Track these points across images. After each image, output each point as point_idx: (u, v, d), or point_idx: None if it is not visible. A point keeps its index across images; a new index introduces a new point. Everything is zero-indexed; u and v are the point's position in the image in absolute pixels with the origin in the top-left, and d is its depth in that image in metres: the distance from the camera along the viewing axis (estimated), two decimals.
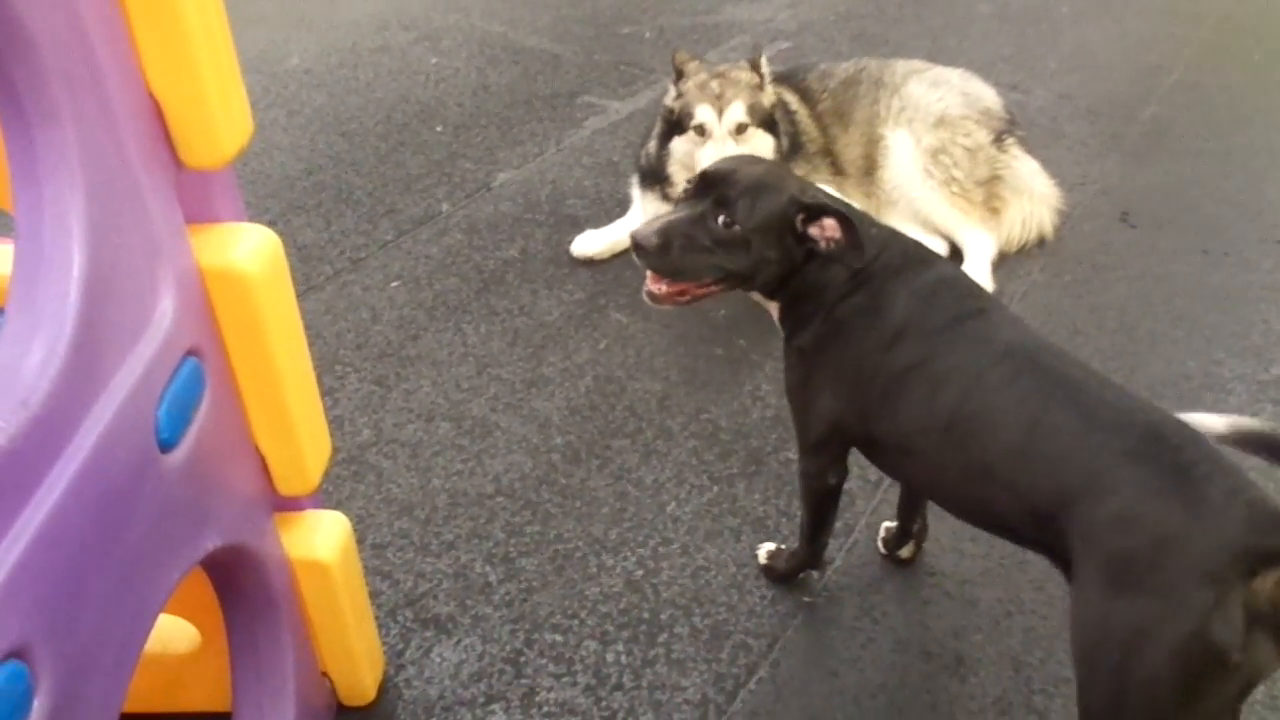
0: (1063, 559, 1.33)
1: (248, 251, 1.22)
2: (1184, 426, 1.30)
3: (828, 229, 1.56)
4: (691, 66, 2.80)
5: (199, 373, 1.18)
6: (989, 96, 3.08)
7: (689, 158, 2.70)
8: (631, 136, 3.61)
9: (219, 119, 1.12)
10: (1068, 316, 2.73)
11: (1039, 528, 1.35)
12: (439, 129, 3.70)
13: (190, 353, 1.17)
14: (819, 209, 1.56)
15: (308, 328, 2.70)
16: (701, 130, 2.67)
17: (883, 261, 1.59)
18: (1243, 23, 4.65)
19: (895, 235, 1.67)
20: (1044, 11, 4.84)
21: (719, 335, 2.67)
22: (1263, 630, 1.14)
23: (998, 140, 2.99)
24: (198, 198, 1.23)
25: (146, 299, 1.09)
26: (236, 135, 1.16)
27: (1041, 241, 3.01)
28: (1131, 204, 3.23)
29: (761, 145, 2.71)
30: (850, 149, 2.96)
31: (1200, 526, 1.16)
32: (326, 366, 2.57)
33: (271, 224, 3.21)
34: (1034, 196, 3.00)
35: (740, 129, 2.67)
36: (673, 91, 2.81)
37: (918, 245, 1.68)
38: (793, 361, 1.72)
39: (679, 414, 2.41)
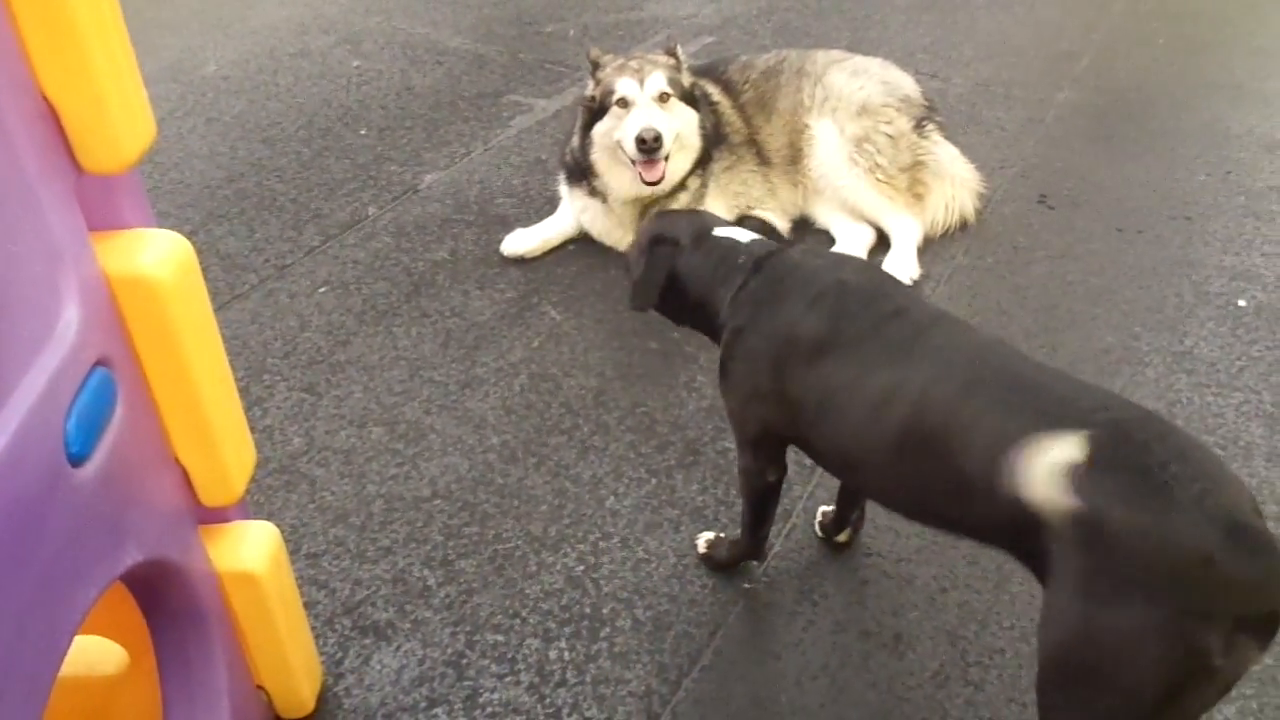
0: (1033, 561, 1.28)
1: (156, 258, 1.19)
2: (1150, 420, 1.24)
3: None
4: (606, 59, 2.81)
5: (109, 383, 1.14)
6: (908, 84, 3.14)
7: (611, 137, 2.71)
8: (558, 134, 3.59)
9: (118, 122, 1.09)
10: (992, 297, 2.79)
11: (1016, 534, 1.28)
12: (363, 132, 3.65)
13: (99, 363, 1.13)
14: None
15: (233, 337, 2.68)
16: (624, 103, 2.69)
17: (764, 278, 1.65)
18: (1149, 7, 4.80)
19: (772, 251, 1.71)
20: (961, 2, 4.94)
21: (653, 330, 2.68)
22: (1242, 631, 1.11)
23: (918, 127, 3.04)
24: (102, 204, 1.19)
25: (48, 308, 1.05)
26: (138, 138, 1.13)
27: (964, 225, 3.08)
28: (1049, 186, 3.32)
29: (684, 116, 2.74)
30: (774, 138, 2.99)
31: (1174, 535, 1.11)
32: (254, 375, 2.51)
33: (192, 233, 3.17)
34: (956, 181, 3.06)
35: (663, 98, 2.69)
36: (590, 84, 2.81)
37: (806, 256, 1.70)
38: (721, 366, 1.74)
39: (615, 409, 2.41)
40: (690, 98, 2.75)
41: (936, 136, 3.10)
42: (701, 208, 2.84)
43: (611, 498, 2.16)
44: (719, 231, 1.77)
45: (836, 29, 4.56)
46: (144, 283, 1.18)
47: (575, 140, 2.86)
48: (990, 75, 4.13)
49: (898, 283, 1.68)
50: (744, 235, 1.76)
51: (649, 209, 2.83)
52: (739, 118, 2.96)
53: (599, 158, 2.77)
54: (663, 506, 2.14)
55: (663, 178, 2.68)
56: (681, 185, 2.80)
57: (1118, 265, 2.91)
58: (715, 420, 2.36)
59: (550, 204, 3.14)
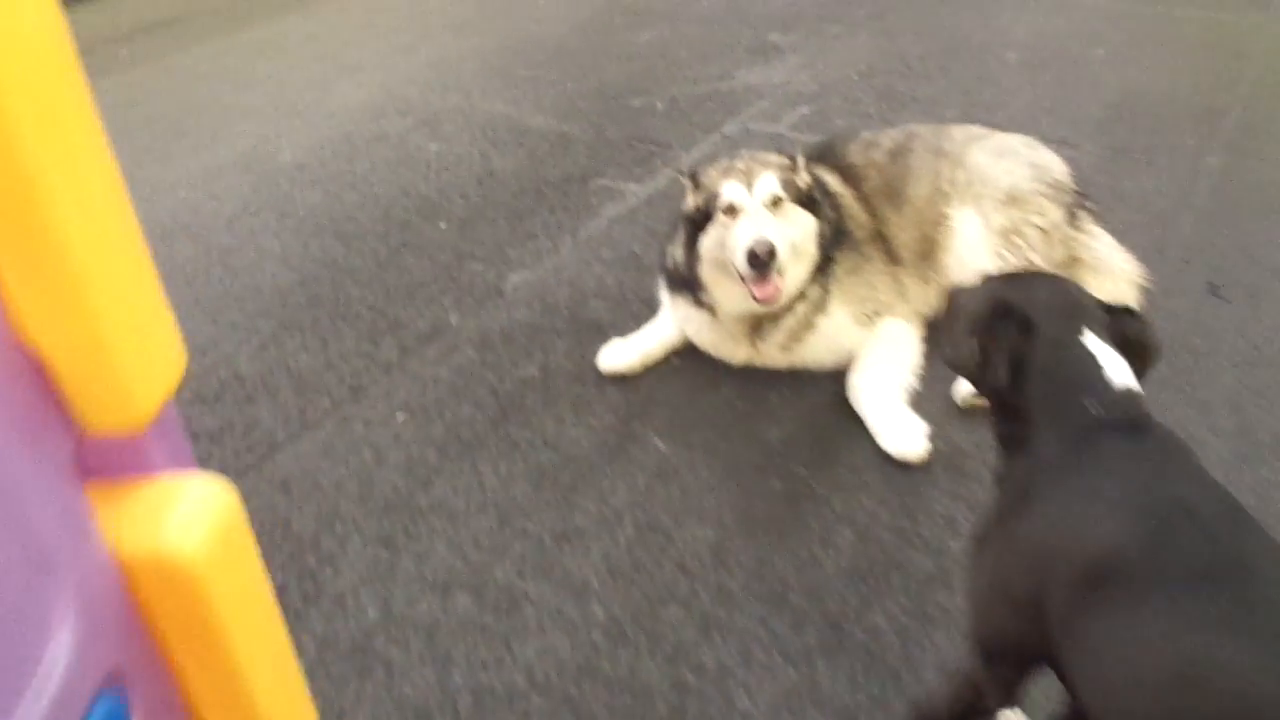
0: None
1: (187, 525, 0.88)
2: None
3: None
4: (703, 170, 2.51)
5: (120, 712, 0.83)
6: (1057, 167, 2.75)
7: (721, 248, 2.38)
8: (652, 223, 3.30)
9: (129, 368, 0.79)
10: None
11: None
12: (443, 225, 3.40)
13: (107, 684, 0.82)
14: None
15: (304, 475, 2.40)
16: (732, 210, 2.35)
17: (1097, 448, 1.25)
18: None
19: (1132, 418, 1.27)
20: (1076, 56, 4.54)
21: (774, 463, 2.32)
22: None
23: (1071, 217, 2.66)
24: (118, 446, 0.90)
25: (30, 640, 0.75)
26: (158, 383, 0.83)
27: None
28: (1219, 273, 2.89)
29: (801, 222, 2.40)
30: (905, 232, 2.63)
31: None
32: (326, 525, 2.22)
33: (263, 347, 2.92)
34: (1115, 275, 2.66)
35: (775, 202, 2.36)
36: (691, 197, 2.49)
37: (1160, 443, 1.27)
38: (983, 528, 1.38)
39: (738, 569, 2.05)
40: (808, 200, 2.42)
41: (1090, 226, 2.70)
42: (824, 315, 2.49)
43: (742, 693, 1.80)
44: (1089, 340, 1.32)
45: (945, 92, 4.20)
46: (170, 564, 0.87)
47: (679, 253, 2.53)
48: (1126, 140, 3.71)
49: (1248, 516, 1.19)
50: (1115, 367, 1.31)
51: (763, 323, 2.49)
52: (863, 210, 2.61)
53: (706, 272, 2.44)
54: (806, 708, 1.76)
55: (778, 294, 2.34)
56: (800, 295, 2.45)
57: None
58: (859, 587, 1.98)
59: (648, 306, 2.83)
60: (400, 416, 2.54)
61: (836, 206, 2.56)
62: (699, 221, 2.40)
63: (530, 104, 4.30)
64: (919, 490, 2.22)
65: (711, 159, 2.68)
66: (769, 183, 2.35)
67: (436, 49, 5.12)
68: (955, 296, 1.53)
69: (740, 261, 2.29)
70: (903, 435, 2.31)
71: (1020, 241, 2.57)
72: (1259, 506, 1.94)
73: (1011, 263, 2.56)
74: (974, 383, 1.44)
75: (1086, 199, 2.76)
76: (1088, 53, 4.55)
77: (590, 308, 2.91)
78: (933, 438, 2.31)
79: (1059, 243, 2.60)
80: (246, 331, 2.91)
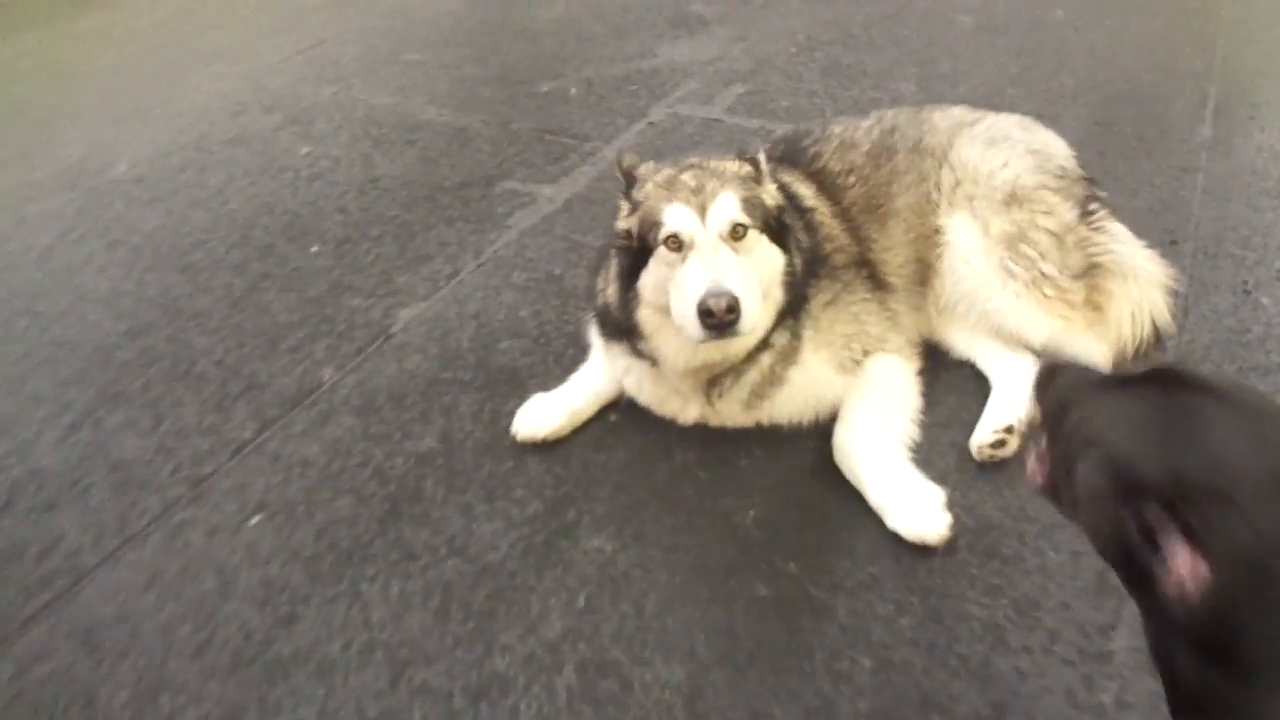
0: None
1: None
2: None
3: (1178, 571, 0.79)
4: (646, 168, 1.92)
5: None
6: (1060, 150, 2.26)
7: (661, 291, 1.80)
8: (572, 233, 2.72)
9: None
10: None
11: None
12: (315, 249, 2.76)
13: None
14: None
15: (119, 619, 1.74)
16: (677, 243, 1.77)
17: None
18: (1263, 3, 3.96)
19: None
20: (1035, 19, 4.09)
21: (753, 557, 1.78)
22: None
23: (1085, 214, 2.16)
24: None
25: None
26: None
27: (1158, 337, 2.18)
28: (1247, 267, 2.44)
29: (766, 260, 1.83)
30: (894, 253, 2.10)
31: None
32: (146, 699, 1.60)
33: (74, 428, 2.19)
34: (1143, 281, 2.17)
35: (737, 232, 1.78)
36: (624, 208, 1.91)
37: None
38: None
39: None
40: (777, 225, 1.86)
41: (1107, 222, 2.22)
42: (796, 366, 1.95)
43: None
44: None
45: (898, 64, 3.70)
46: None
47: (612, 292, 1.94)
48: (1106, 111, 3.26)
49: None
50: None
51: (720, 377, 1.93)
52: (843, 229, 2.06)
53: (646, 317, 1.87)
54: None
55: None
56: (765, 344, 1.90)
57: None
58: None
59: (575, 345, 2.26)
60: (255, 520, 1.91)
61: (812, 226, 2.01)
62: (637, 253, 1.82)
63: (421, 94, 3.66)
64: (945, 585, 1.71)
65: (647, 151, 2.10)
66: (728, 207, 1.77)
67: (310, 32, 4.41)
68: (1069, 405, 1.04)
69: (689, 317, 1.71)
70: (915, 510, 1.79)
71: (1029, 250, 2.07)
72: None
73: (1022, 277, 2.05)
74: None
75: (1097, 187, 2.28)
76: (1046, 15, 4.10)
77: (502, 351, 2.32)
78: (951, 507, 1.79)
79: (1074, 247, 2.10)
80: (53, 406, 2.24)
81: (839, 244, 2.01)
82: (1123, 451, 0.93)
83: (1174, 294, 2.22)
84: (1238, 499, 0.81)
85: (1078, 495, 0.99)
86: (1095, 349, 2.06)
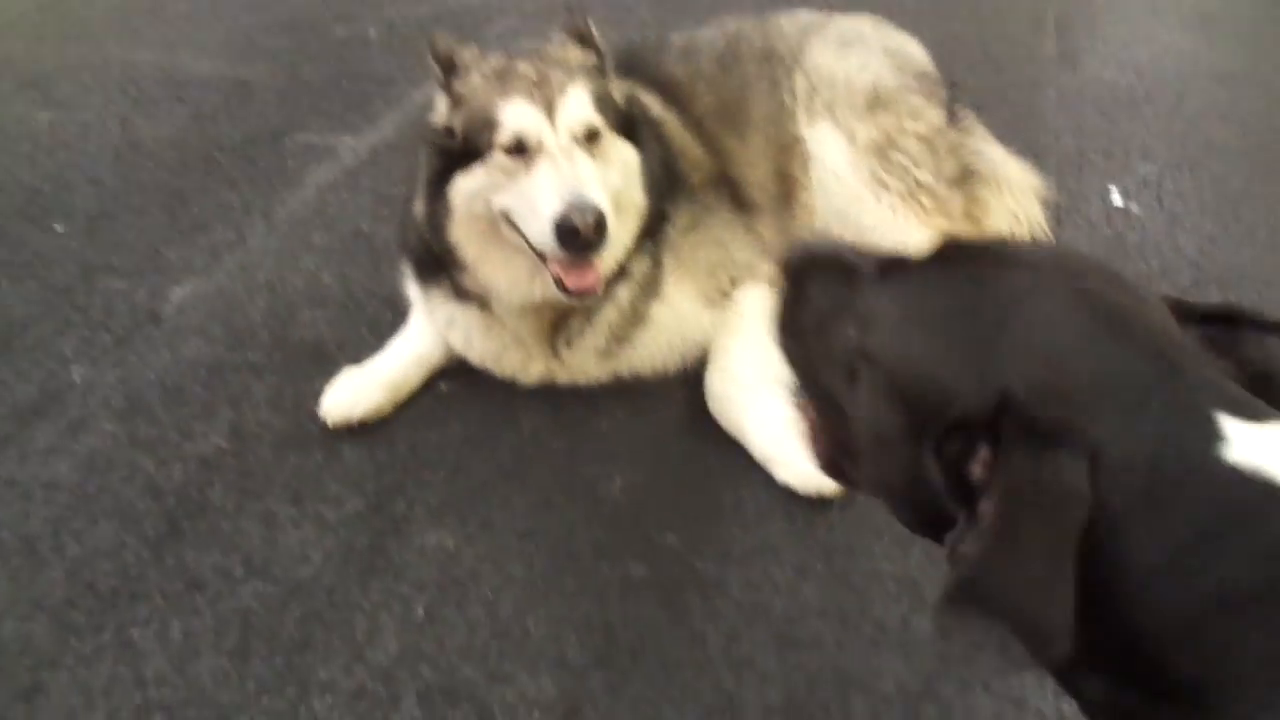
0: None
1: None
2: None
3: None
4: (468, 55, 1.58)
5: None
6: (917, 52, 2.08)
7: (482, 202, 1.50)
8: (382, 185, 2.35)
9: None
10: None
11: None
12: (59, 228, 2.26)
13: None
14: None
15: None
16: (519, 147, 1.46)
17: None
18: None
19: None
20: None
21: (625, 533, 1.49)
22: None
23: (952, 116, 1.98)
24: None
25: None
26: None
27: None
28: (1111, 174, 2.34)
29: (623, 160, 1.55)
30: (754, 167, 1.84)
31: None
32: None
33: None
34: (1015, 187, 2.01)
35: (590, 134, 1.49)
36: (443, 102, 1.57)
37: None
38: None
39: None
40: (628, 123, 1.56)
41: (976, 127, 2.05)
42: (659, 300, 1.67)
43: None
44: (1239, 455, 0.58)
45: None
46: None
47: (419, 206, 1.61)
48: (949, 29, 3.11)
49: None
50: None
51: (569, 319, 1.63)
52: (698, 143, 1.78)
53: (464, 238, 1.54)
54: None
55: (599, 283, 1.50)
56: (622, 273, 1.61)
57: None
58: None
59: (392, 309, 1.89)
60: None
61: (662, 140, 1.72)
62: (457, 156, 1.49)
63: (190, 47, 3.14)
64: (849, 541, 1.47)
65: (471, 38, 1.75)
66: (580, 104, 1.48)
67: None
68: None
69: (546, 236, 1.41)
70: (806, 458, 1.54)
71: (900, 158, 1.86)
72: None
73: (896, 188, 1.84)
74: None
75: (959, 90, 2.10)
76: None
77: (303, 323, 1.93)
78: None
79: (947, 153, 1.92)
80: None
81: (694, 159, 1.74)
82: (915, 367, 0.66)
83: (1046, 204, 2.09)
84: (1095, 418, 0.58)
85: (855, 441, 0.71)
86: None
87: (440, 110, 1.58)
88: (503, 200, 1.49)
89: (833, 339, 0.75)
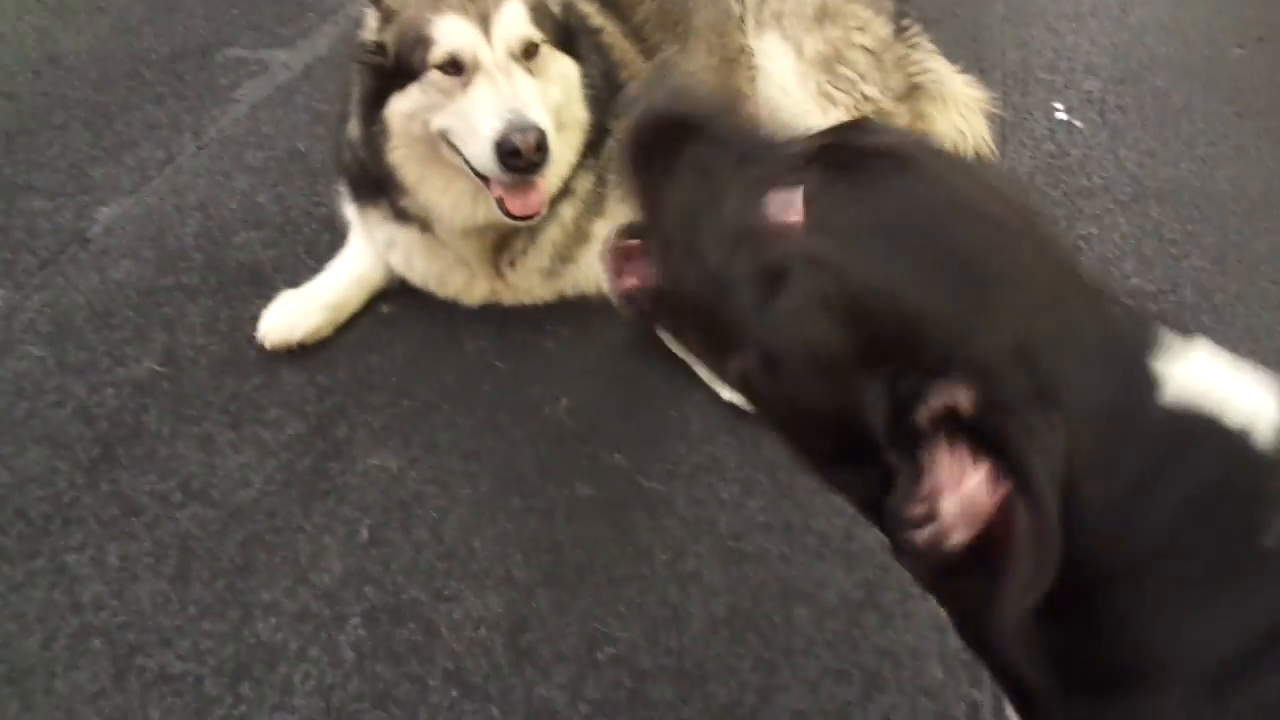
0: None
1: None
2: None
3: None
4: None
5: None
6: None
7: (419, 123, 1.45)
8: (316, 100, 2.27)
9: None
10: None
11: None
12: None
13: None
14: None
15: None
16: (455, 65, 1.41)
17: None
18: None
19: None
20: None
21: (571, 453, 1.49)
22: None
23: (899, 29, 1.95)
24: None
25: None
26: None
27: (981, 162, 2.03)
28: (1055, 88, 2.33)
29: (563, 74, 1.51)
30: (698, 78, 1.80)
31: None
32: None
33: None
34: (962, 105, 2.00)
35: (528, 49, 1.44)
36: (373, 17, 1.51)
37: None
38: None
39: (557, 664, 1.22)
40: (566, 35, 1.51)
41: (921, 40, 2.02)
42: (603, 218, 1.64)
43: None
44: (1188, 394, 0.58)
45: None
46: None
47: (354, 128, 1.56)
48: None
49: None
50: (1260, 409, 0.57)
51: (511, 240, 1.60)
52: (638, 52, 1.73)
53: (403, 160, 1.50)
54: None
55: (542, 204, 1.46)
56: (565, 190, 1.58)
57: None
58: (750, 640, 1.22)
59: (330, 230, 1.84)
60: None
61: (601, 49, 1.67)
62: (390, 74, 1.43)
63: None
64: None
65: None
66: (516, 18, 1.42)
67: None
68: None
69: (487, 157, 1.37)
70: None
71: (847, 71, 1.84)
72: None
73: (844, 102, 1.81)
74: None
75: (907, 5, 2.07)
76: None
77: (237, 245, 1.87)
78: None
79: (893, 66, 1.90)
80: None
81: (635, 70, 1.69)
82: (889, 290, 0.59)
83: (992, 119, 2.08)
84: (1066, 373, 0.57)
85: (769, 339, 0.65)
86: None
87: (370, 25, 1.51)
88: (440, 121, 1.44)
89: (724, 209, 0.68)
